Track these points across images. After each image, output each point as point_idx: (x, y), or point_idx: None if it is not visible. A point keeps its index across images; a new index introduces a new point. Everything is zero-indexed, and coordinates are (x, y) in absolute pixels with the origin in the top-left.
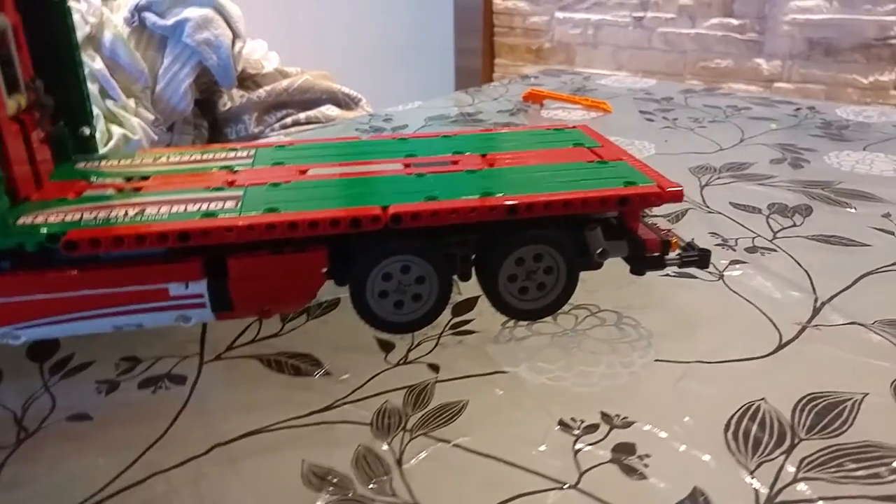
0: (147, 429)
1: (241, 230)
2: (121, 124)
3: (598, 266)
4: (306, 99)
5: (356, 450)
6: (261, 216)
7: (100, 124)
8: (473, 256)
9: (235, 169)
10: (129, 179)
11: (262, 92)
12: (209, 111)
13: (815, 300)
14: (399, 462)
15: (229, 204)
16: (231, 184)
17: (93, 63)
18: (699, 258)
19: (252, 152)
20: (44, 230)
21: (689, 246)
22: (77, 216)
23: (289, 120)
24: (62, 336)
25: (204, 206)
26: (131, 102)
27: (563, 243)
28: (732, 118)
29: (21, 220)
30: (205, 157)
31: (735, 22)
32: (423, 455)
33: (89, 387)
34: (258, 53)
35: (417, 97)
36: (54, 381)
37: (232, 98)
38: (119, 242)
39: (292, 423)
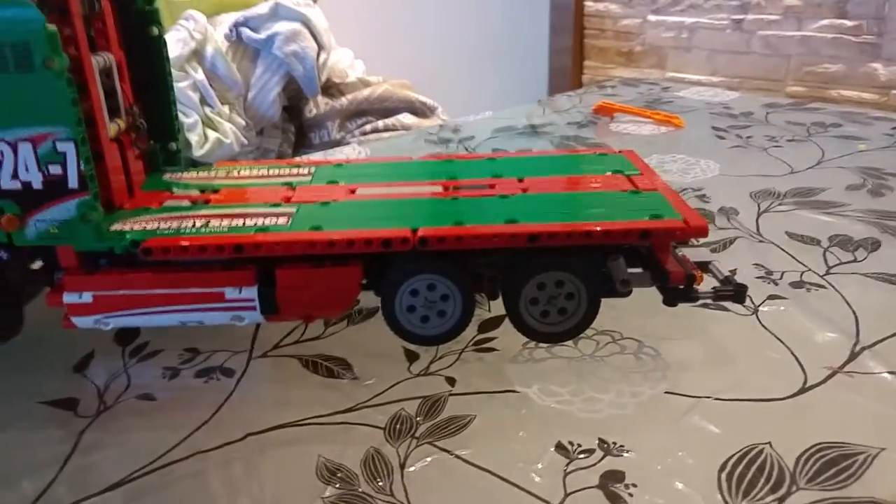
0: (196, 413)
1: (286, 245)
2: (216, 129)
3: (624, 294)
4: (385, 107)
5: (367, 450)
6: (305, 234)
7: (198, 129)
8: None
9: (294, 185)
10: (202, 191)
11: (344, 100)
12: (296, 117)
13: (855, 344)
14: (402, 466)
15: (282, 220)
16: (288, 200)
17: (196, 74)
18: (734, 293)
19: (312, 170)
20: (128, 237)
21: (727, 280)
22: (155, 225)
23: (368, 127)
24: (139, 325)
25: (259, 221)
26: (226, 109)
27: (584, 271)
28: (816, 136)
29: (114, 227)
30: (270, 172)
31: (848, 23)
32: (425, 462)
33: (157, 371)
34: (344, 62)
35: (511, 98)
36: (132, 363)
37: (317, 105)
38: (185, 251)
39: (317, 420)
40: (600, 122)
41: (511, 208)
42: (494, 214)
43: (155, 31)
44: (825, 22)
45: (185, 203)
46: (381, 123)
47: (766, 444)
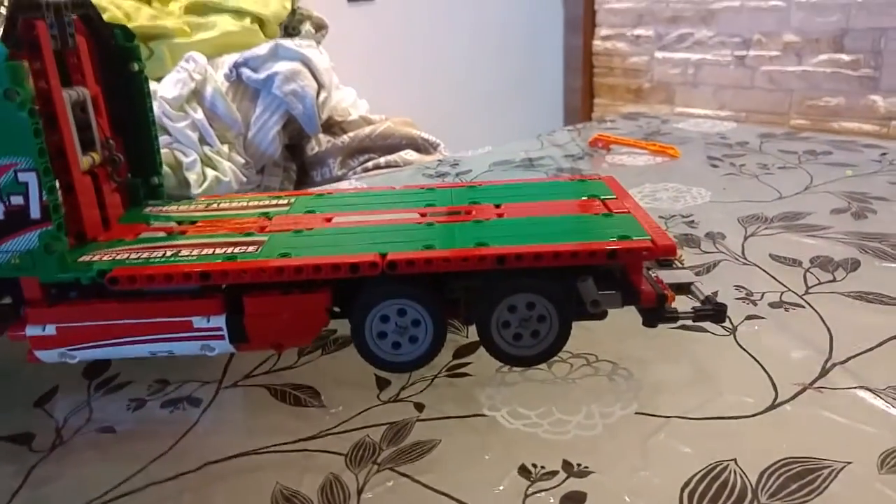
0: (156, 444)
1: (254, 272)
2: (214, 167)
3: (599, 316)
4: (388, 144)
5: (326, 477)
6: (273, 260)
7: (197, 167)
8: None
9: (271, 216)
10: (179, 223)
11: (345, 138)
12: (298, 155)
13: (826, 361)
14: (360, 491)
15: (251, 248)
16: (262, 229)
17: (195, 114)
18: (714, 313)
19: (292, 200)
20: (95, 267)
21: (707, 300)
22: (125, 255)
23: (370, 164)
24: (107, 358)
25: (229, 250)
26: (225, 148)
27: (553, 292)
28: (806, 164)
29: (82, 258)
30: (250, 203)
31: (846, 58)
32: (383, 487)
33: (122, 403)
34: (347, 101)
35: (528, 137)
36: (97, 396)
37: (319, 143)
38: (151, 280)
39: (278, 448)
40: (596, 154)
41: (483, 232)
42: (466, 239)
43: (135, 66)
44: (824, 57)
45: (161, 234)
46: (382, 160)
47: (731, 460)
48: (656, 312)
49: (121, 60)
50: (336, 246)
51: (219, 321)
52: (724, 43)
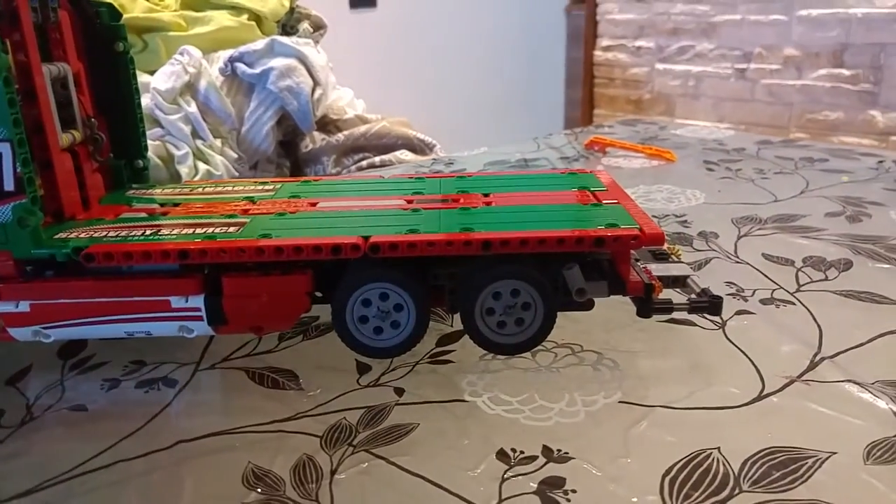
0: (127, 422)
1: (233, 252)
2: (206, 162)
3: (585, 307)
4: (383, 143)
5: (300, 458)
6: (253, 240)
7: (189, 160)
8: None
9: (256, 200)
10: (162, 205)
11: (340, 136)
12: (292, 152)
13: (815, 355)
14: (333, 472)
15: (232, 229)
16: (246, 212)
17: (188, 107)
18: (710, 304)
19: (278, 186)
20: (71, 244)
21: (703, 292)
22: (103, 234)
23: (364, 163)
24: (82, 338)
25: (210, 230)
26: (218, 142)
27: (538, 280)
28: (802, 170)
29: (58, 235)
30: (235, 188)
31: (846, 72)
32: (357, 468)
33: (96, 383)
34: (344, 101)
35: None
36: (70, 376)
37: (313, 140)
38: (129, 257)
39: (253, 428)
40: (592, 156)
41: (469, 219)
42: (451, 224)
43: (120, 46)
44: (823, 71)
45: (142, 215)
46: (377, 159)
47: (714, 449)
48: (650, 303)
49: (106, 39)
50: (319, 228)
51: (197, 301)
52: (725, 56)
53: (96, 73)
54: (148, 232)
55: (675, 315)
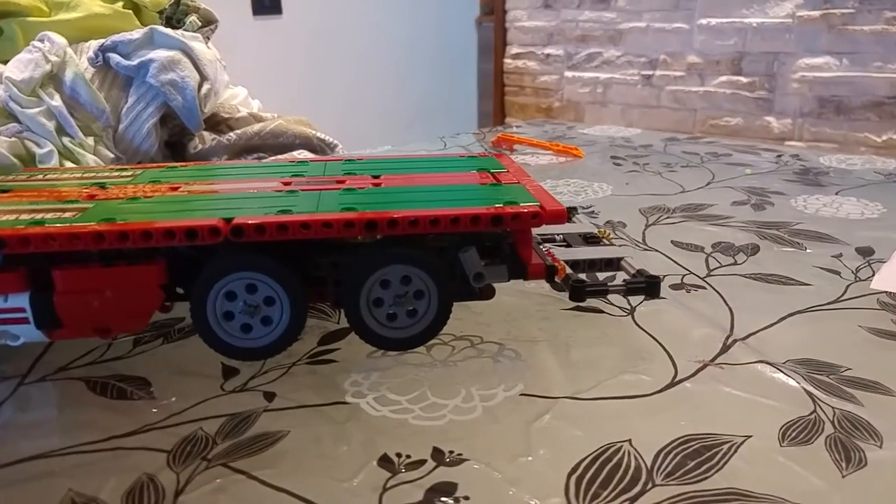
0: None
1: (65, 239)
2: (77, 161)
3: (485, 295)
4: (279, 143)
5: (137, 479)
6: (90, 225)
7: (53, 160)
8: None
9: (107, 185)
10: None
11: (232, 135)
12: (180, 153)
13: (728, 337)
14: (178, 493)
15: (69, 214)
16: (92, 198)
17: (51, 100)
18: (647, 285)
19: (138, 172)
20: None
21: (639, 272)
22: None
23: None
24: None
25: (39, 216)
26: (90, 140)
27: (432, 265)
28: (708, 164)
29: None
30: (85, 175)
31: (744, 80)
32: (211, 486)
33: None
34: (237, 99)
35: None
36: None
37: (203, 140)
38: None
39: (82, 448)
40: (500, 153)
41: (353, 199)
42: (332, 205)
43: None
44: (724, 78)
45: None
46: (272, 160)
47: (625, 441)
48: (583, 286)
49: None
50: (176, 212)
51: (20, 300)
52: (632, 62)
53: None
54: None
55: (582, 303)
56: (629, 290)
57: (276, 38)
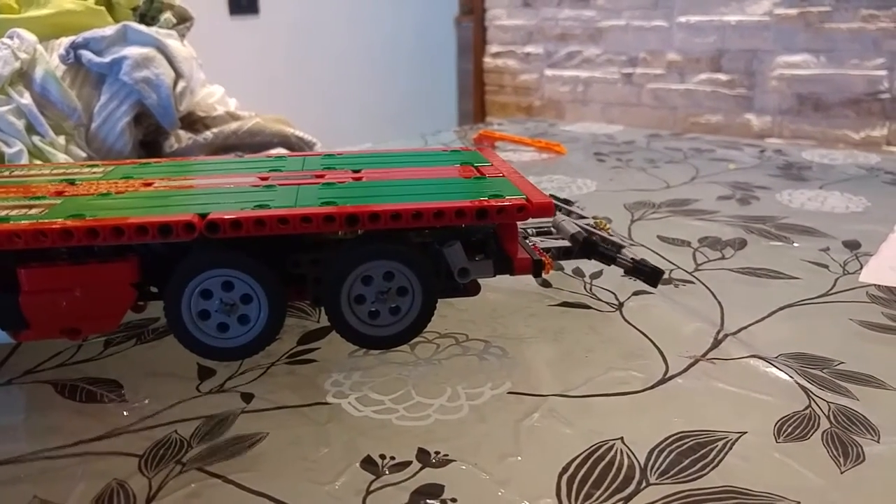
0: None
1: (31, 236)
2: (47, 160)
3: (470, 291)
4: (257, 142)
5: (107, 485)
6: (57, 222)
7: (23, 159)
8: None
9: (77, 182)
10: None
11: (208, 134)
12: (155, 153)
13: (719, 332)
14: (150, 499)
15: (35, 211)
16: (60, 194)
17: (20, 98)
18: (651, 271)
19: (110, 169)
20: None
21: (642, 261)
22: None
23: None
24: None
25: (3, 213)
26: (61, 139)
27: (416, 260)
28: (692, 159)
29: None
30: (54, 171)
31: (724, 77)
32: (185, 490)
33: None
34: (214, 97)
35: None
36: None
37: (179, 139)
38: None
39: (49, 453)
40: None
41: (333, 193)
42: (311, 199)
43: None
44: (703, 76)
45: None
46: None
47: (617, 439)
48: (595, 246)
49: None
50: (149, 208)
51: None
52: (612, 61)
53: None
54: None
55: (569, 299)
56: (636, 267)
57: (253, 38)
